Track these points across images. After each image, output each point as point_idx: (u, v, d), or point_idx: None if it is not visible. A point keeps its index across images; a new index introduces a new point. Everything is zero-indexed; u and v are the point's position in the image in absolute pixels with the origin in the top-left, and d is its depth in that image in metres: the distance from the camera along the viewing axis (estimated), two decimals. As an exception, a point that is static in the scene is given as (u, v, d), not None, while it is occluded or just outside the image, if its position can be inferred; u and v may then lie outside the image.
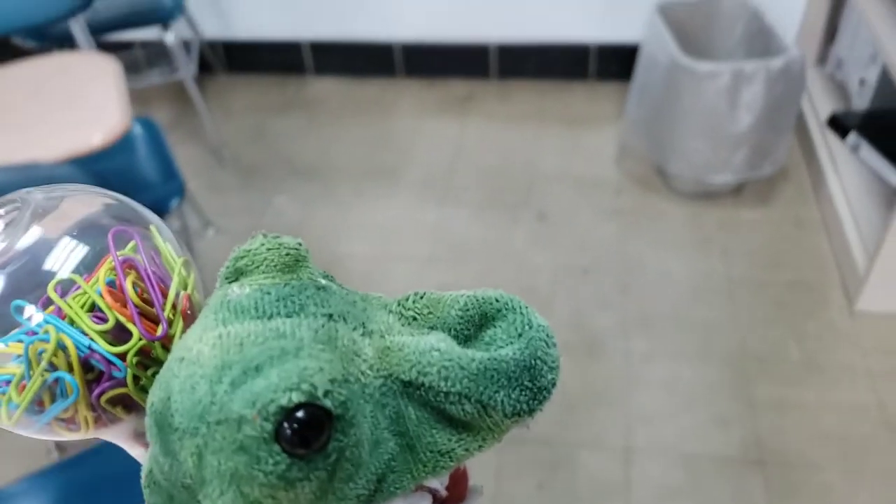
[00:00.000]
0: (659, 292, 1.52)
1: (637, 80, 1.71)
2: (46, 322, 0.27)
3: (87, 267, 0.29)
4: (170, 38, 1.76)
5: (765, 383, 1.32)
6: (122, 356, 0.28)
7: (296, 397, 0.21)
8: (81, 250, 0.29)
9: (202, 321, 0.26)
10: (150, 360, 0.29)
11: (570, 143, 1.95)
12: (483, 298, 0.25)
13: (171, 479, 0.25)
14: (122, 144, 1.16)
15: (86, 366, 0.28)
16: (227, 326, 0.24)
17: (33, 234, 0.29)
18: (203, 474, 0.23)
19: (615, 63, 2.05)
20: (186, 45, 1.96)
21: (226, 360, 0.23)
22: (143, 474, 0.27)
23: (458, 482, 0.29)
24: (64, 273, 0.28)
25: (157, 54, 2.09)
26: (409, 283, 1.57)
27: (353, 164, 1.93)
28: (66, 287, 0.29)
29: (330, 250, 1.67)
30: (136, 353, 0.28)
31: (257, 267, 0.26)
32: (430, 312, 0.26)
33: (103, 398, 0.29)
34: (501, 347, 0.24)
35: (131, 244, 0.30)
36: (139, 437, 0.31)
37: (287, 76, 2.25)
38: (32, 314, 0.28)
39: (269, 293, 0.25)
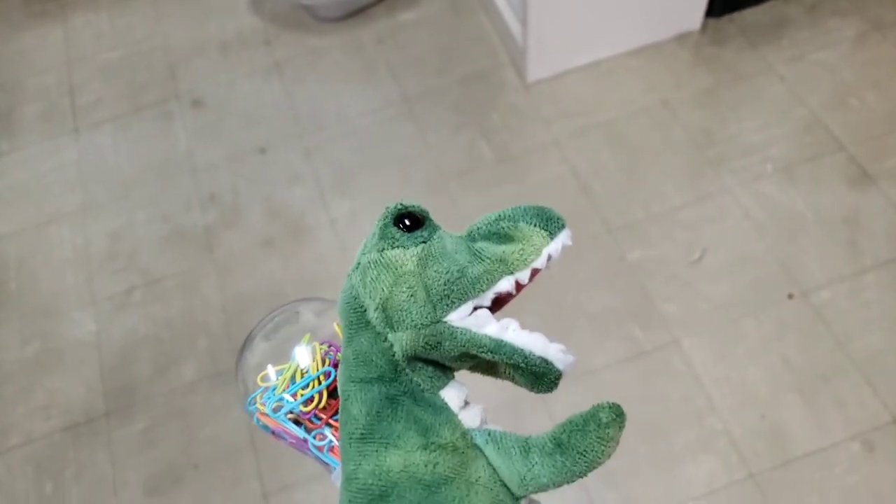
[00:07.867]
0: (344, 144, 1.39)
1: None
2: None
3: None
4: None
5: (468, 194, 1.29)
6: None
7: (402, 203, 0.37)
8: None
9: None
10: None
11: (197, 2, 1.66)
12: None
13: (358, 334, 0.37)
14: None
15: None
16: None
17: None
18: (365, 283, 0.36)
19: None
20: None
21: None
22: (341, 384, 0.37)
23: None
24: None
25: None
26: (77, 247, 1.32)
27: (-52, 126, 1.53)
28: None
29: (-35, 245, 1.35)
30: None
31: None
32: None
33: None
34: None
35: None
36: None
37: None
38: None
39: None
